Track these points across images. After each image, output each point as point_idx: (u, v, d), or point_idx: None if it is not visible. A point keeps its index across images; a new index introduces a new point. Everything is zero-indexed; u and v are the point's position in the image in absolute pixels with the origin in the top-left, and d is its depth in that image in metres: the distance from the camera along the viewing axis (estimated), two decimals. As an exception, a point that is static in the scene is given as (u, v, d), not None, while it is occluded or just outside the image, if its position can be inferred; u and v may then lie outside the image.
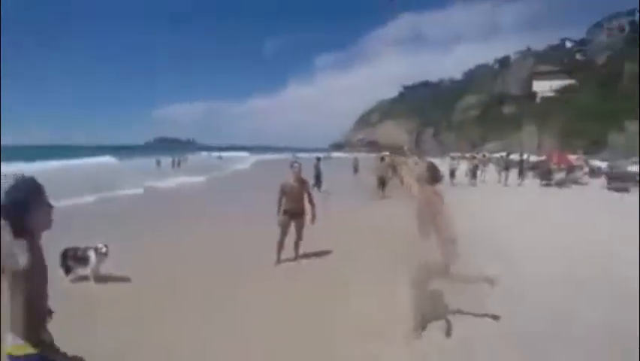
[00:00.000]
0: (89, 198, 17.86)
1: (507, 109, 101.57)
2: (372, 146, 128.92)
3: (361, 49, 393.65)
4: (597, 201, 20.37)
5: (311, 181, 18.45)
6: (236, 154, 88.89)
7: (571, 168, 32.78)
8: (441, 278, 5.11)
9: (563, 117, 76.53)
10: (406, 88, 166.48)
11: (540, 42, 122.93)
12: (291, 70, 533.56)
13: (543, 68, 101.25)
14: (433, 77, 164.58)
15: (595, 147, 58.32)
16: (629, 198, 21.32)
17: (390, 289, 6.49)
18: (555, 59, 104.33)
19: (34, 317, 2.30)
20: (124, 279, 7.24)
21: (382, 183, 19.50)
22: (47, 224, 2.43)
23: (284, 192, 8.13)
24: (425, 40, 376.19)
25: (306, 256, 8.72)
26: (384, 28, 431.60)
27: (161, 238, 10.79)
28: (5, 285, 2.23)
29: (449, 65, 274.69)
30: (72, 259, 7.14)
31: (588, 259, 8.77)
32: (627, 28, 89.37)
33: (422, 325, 5.19)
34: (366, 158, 51.58)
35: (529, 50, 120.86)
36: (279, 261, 8.39)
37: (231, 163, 55.51)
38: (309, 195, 8.40)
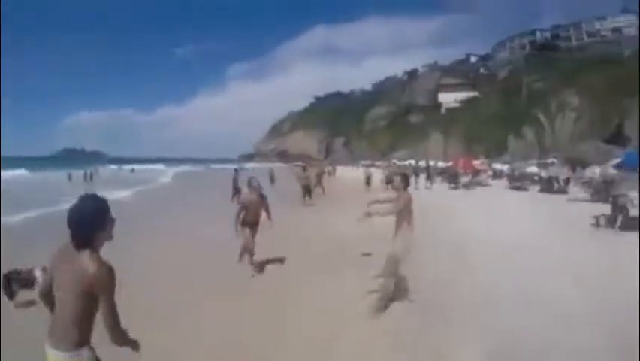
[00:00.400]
0: (30, 214, 16.31)
1: (414, 119, 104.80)
2: (283, 156, 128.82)
3: (273, 59, 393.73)
4: (501, 199, 23.13)
5: (231, 192, 19.33)
6: (151, 167, 79.89)
7: (475, 172, 36.19)
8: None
9: (466, 126, 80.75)
10: (318, 98, 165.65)
11: (447, 57, 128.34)
12: (201, 79, 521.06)
13: (449, 80, 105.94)
14: (344, 88, 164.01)
15: (496, 151, 61.57)
16: (529, 195, 26.06)
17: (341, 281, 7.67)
18: (460, 73, 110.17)
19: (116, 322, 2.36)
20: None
21: (308, 191, 20.21)
22: (109, 237, 2.50)
23: (244, 206, 8.56)
24: (337, 51, 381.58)
25: (267, 260, 9.12)
26: (296, 39, 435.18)
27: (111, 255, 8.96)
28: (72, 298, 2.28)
29: (360, 76, 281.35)
30: (16, 282, 6.51)
31: (497, 245, 10.40)
32: (528, 47, 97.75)
33: (386, 305, 6.18)
34: (280, 168, 53.02)
35: (436, 63, 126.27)
36: (240, 261, 8.82)
37: (151, 176, 50.44)
38: (267, 207, 8.89)
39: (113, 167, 79.60)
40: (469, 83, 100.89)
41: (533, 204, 20.52)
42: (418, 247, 7.10)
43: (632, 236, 11.01)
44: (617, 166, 24.31)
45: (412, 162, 41.69)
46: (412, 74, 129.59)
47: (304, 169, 23.11)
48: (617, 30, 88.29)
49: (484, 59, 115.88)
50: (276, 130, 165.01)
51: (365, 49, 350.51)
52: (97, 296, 2.26)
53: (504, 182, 34.30)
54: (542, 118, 67.00)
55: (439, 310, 6.10)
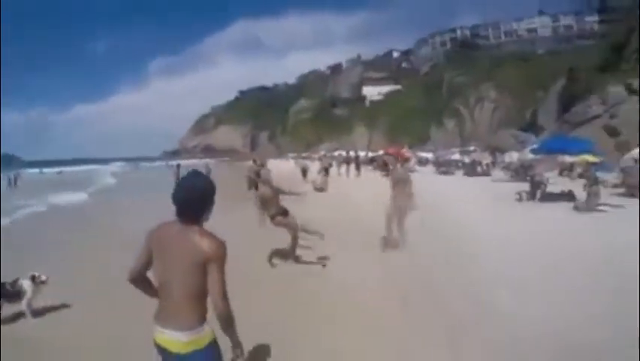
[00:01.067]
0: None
1: (339, 111, 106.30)
2: (208, 151, 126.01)
3: (196, 53, 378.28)
4: (433, 182, 24.12)
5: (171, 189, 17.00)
6: (78, 168, 71.05)
7: (405, 160, 36.43)
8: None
9: (390, 118, 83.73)
10: (242, 92, 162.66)
11: (369, 51, 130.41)
12: (122, 75, 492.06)
13: (372, 74, 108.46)
14: (268, 82, 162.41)
15: (420, 141, 63.35)
16: (456, 178, 29.17)
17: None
18: (383, 67, 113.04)
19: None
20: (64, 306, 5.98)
21: (254, 183, 18.01)
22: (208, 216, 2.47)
23: (264, 200, 8.12)
24: (260, 46, 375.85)
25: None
26: (220, 32, 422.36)
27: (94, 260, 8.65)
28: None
29: (284, 70, 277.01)
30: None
31: (445, 214, 12.17)
32: (449, 44, 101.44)
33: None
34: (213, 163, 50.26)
35: (359, 57, 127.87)
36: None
37: (85, 177, 44.52)
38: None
39: (33, 170, 69.54)
40: (391, 77, 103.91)
41: (463, 185, 23.39)
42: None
43: (549, 205, 14.46)
44: (534, 151, 25.52)
45: (343, 152, 41.40)
46: (336, 68, 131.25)
47: (254, 162, 21.53)
48: (532, 31, 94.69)
49: (405, 54, 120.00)
50: (200, 125, 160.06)
51: (288, 43, 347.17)
52: (207, 270, 2.24)
53: (430, 168, 36.27)
54: (462, 110, 71.77)
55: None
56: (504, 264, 7.21)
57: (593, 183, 13.93)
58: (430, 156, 46.46)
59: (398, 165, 9.44)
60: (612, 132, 33.03)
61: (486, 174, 29.43)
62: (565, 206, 13.84)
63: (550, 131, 41.52)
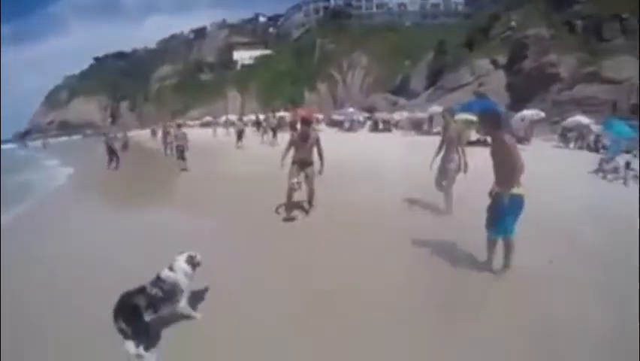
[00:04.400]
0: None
1: (205, 77, 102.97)
2: (65, 127, 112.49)
3: (43, 18, 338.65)
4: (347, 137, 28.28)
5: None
6: None
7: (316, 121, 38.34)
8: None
9: (262, 82, 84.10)
10: (97, 60, 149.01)
11: (234, 15, 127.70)
12: None
13: (238, 38, 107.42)
14: (126, 47, 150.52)
15: (292, 104, 63.32)
16: (364, 134, 34.16)
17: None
18: (249, 32, 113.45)
19: None
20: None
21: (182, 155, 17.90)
22: None
23: (293, 141, 8.22)
24: (116, 8, 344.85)
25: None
26: None
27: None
28: None
29: (143, 35, 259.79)
30: (149, 307, 4.03)
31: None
32: (322, 11, 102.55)
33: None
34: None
35: (224, 21, 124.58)
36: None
37: None
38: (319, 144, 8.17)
39: None
40: (261, 42, 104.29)
41: (378, 139, 26.73)
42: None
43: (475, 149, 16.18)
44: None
45: (216, 118, 39.78)
46: (200, 32, 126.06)
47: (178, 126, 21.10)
48: (402, 5, 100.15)
49: (272, 19, 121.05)
50: (52, 99, 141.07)
51: (147, 6, 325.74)
52: None
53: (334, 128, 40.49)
54: (335, 74, 74.36)
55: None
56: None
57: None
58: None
59: (452, 123, 8.28)
60: (482, 97, 36.23)
61: (388, 130, 35.38)
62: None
63: (427, 96, 44.93)
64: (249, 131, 33.77)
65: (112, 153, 19.52)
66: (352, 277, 5.37)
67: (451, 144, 8.04)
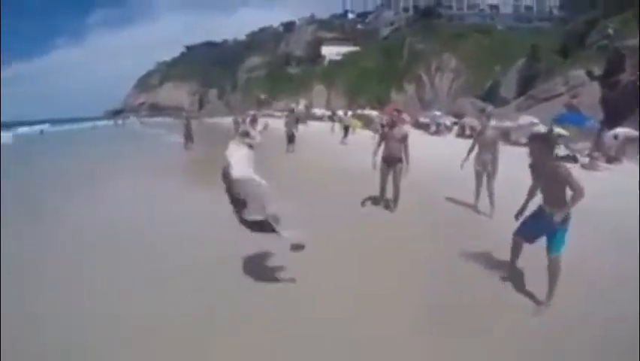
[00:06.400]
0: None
1: (292, 70, 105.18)
2: (155, 109, 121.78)
3: (139, 5, 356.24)
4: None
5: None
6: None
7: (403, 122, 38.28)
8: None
9: (349, 78, 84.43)
10: (189, 48, 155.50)
11: (324, 11, 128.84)
12: (55, 29, 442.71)
13: (327, 34, 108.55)
14: (217, 38, 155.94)
15: (379, 104, 63.52)
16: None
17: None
18: (337, 27, 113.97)
19: None
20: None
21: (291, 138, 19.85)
22: None
23: (383, 137, 8.98)
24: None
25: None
26: None
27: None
28: None
29: (233, 26, 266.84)
30: None
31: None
32: (411, 10, 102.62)
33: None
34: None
35: (313, 16, 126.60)
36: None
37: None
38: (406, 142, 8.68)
39: None
40: (349, 38, 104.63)
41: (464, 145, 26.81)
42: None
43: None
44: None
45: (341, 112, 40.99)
46: (289, 26, 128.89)
47: (292, 111, 23.63)
48: (494, 7, 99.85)
49: (361, 15, 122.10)
50: (145, 83, 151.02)
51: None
52: None
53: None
54: (423, 76, 73.43)
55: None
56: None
57: None
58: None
59: (489, 127, 9.14)
60: (573, 110, 35.39)
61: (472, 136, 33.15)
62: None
63: (517, 104, 44.10)
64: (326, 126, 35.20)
65: (189, 135, 21.16)
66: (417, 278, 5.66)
67: (485, 147, 8.63)
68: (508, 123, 32.89)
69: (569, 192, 4.76)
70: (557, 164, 4.91)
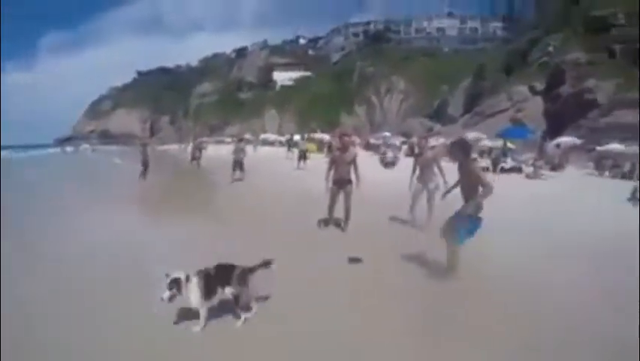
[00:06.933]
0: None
1: (244, 95, 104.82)
2: (105, 137, 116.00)
3: (92, 30, 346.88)
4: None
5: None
6: None
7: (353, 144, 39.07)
8: None
9: (300, 103, 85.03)
10: (140, 74, 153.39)
11: (276, 36, 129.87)
12: (5, 53, 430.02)
13: (279, 59, 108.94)
14: (169, 63, 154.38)
15: (330, 127, 63.13)
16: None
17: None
18: (289, 53, 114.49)
19: None
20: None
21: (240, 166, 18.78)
22: None
23: (333, 160, 8.93)
24: (161, 24, 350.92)
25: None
26: (119, 8, 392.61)
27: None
28: None
29: (186, 51, 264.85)
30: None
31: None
32: (361, 35, 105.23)
33: None
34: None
35: (265, 42, 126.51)
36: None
37: None
38: (355, 163, 8.80)
39: None
40: (302, 63, 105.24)
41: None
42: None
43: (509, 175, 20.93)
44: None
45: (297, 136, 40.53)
46: (241, 51, 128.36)
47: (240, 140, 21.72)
48: (440, 30, 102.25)
49: (313, 41, 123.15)
50: (96, 109, 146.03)
51: (192, 23, 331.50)
52: None
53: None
54: (373, 98, 75.48)
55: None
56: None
57: (497, 162, 23.17)
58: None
59: (428, 150, 9.75)
60: (518, 124, 36.35)
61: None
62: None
63: (463, 121, 44.81)
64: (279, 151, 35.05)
65: (145, 163, 20.26)
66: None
67: (425, 167, 9.16)
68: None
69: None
70: (472, 164, 5.68)
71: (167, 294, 4.08)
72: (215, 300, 4.39)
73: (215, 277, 4.36)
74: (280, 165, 26.05)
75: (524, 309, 4.92)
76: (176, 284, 4.13)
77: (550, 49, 41.85)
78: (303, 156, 24.73)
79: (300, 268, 6.21)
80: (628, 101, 30.41)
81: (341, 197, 8.83)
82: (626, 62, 34.05)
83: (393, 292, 5.49)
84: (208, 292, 4.28)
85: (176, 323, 4.37)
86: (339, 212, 8.95)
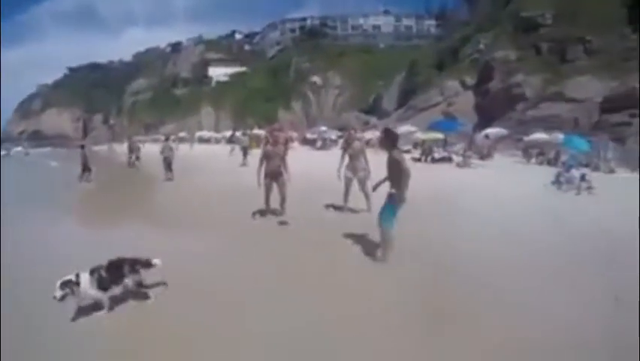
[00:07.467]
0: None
1: (179, 91, 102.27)
2: (37, 139, 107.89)
3: (20, 23, 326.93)
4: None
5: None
6: None
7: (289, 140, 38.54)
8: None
9: (237, 99, 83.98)
10: (72, 70, 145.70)
11: (211, 31, 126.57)
12: None
13: (214, 55, 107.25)
14: (102, 59, 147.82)
15: (267, 122, 62.24)
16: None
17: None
18: (225, 48, 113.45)
19: None
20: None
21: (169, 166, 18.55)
22: None
23: (266, 155, 9.19)
24: (95, 18, 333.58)
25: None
26: (46, 1, 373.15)
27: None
28: None
29: (119, 47, 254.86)
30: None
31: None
32: (298, 31, 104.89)
33: None
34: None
35: (200, 37, 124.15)
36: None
37: None
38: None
39: None
40: (237, 59, 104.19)
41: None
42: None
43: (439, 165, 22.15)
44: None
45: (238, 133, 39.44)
46: (176, 47, 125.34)
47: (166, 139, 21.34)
48: (376, 27, 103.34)
49: (248, 36, 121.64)
50: (26, 108, 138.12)
51: (125, 18, 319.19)
52: None
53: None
54: (309, 93, 75.58)
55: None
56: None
57: (428, 153, 24.58)
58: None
59: (357, 141, 10.08)
60: (450, 117, 37.20)
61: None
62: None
63: (398, 115, 45.26)
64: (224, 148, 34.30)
65: (85, 166, 19.41)
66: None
67: (356, 157, 9.59)
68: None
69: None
70: (395, 153, 6.05)
71: (59, 293, 4.45)
72: (116, 290, 4.79)
73: (108, 272, 4.73)
74: (222, 162, 25.53)
75: (453, 281, 5.39)
76: (68, 285, 4.51)
77: (481, 46, 43.30)
78: (244, 152, 24.23)
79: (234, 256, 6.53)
80: (553, 94, 32.02)
81: (275, 188, 9.16)
82: (552, 58, 35.77)
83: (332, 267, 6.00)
84: (104, 285, 4.67)
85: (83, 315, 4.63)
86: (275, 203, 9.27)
